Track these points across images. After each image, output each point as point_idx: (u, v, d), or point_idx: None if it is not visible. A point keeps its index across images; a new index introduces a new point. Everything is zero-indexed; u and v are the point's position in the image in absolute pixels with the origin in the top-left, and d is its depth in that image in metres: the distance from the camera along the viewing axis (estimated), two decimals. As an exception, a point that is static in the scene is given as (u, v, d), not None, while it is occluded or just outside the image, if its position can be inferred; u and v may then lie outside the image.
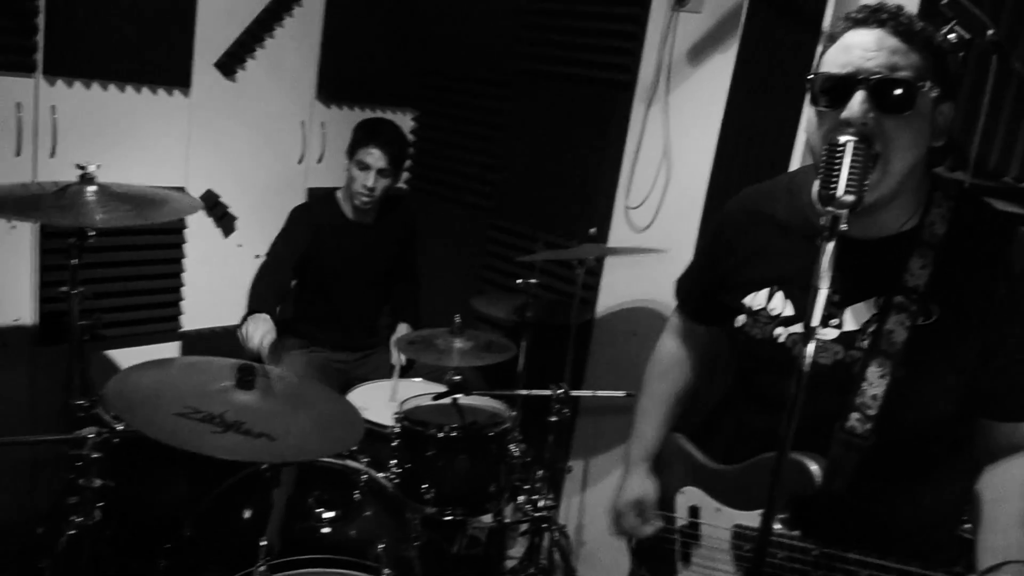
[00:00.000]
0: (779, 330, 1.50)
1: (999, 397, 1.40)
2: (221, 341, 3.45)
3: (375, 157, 3.13)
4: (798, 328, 1.47)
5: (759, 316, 1.53)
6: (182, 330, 3.40)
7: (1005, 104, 2.30)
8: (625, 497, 1.77)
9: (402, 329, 3.42)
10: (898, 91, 1.28)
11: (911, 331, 1.36)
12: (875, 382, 1.38)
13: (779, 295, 1.52)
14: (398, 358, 3.18)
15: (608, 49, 3.17)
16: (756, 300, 1.54)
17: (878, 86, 1.28)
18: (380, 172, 3.15)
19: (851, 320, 1.42)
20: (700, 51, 2.86)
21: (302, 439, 1.97)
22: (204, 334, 3.44)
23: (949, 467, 1.49)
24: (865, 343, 1.40)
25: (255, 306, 2.98)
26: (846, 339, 1.42)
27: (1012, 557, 1.23)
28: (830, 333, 1.42)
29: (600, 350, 3.26)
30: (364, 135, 3.19)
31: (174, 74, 3.14)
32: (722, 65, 2.79)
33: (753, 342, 1.54)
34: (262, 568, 1.95)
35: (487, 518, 2.97)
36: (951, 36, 1.88)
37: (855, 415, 1.39)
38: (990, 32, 1.90)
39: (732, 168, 2.74)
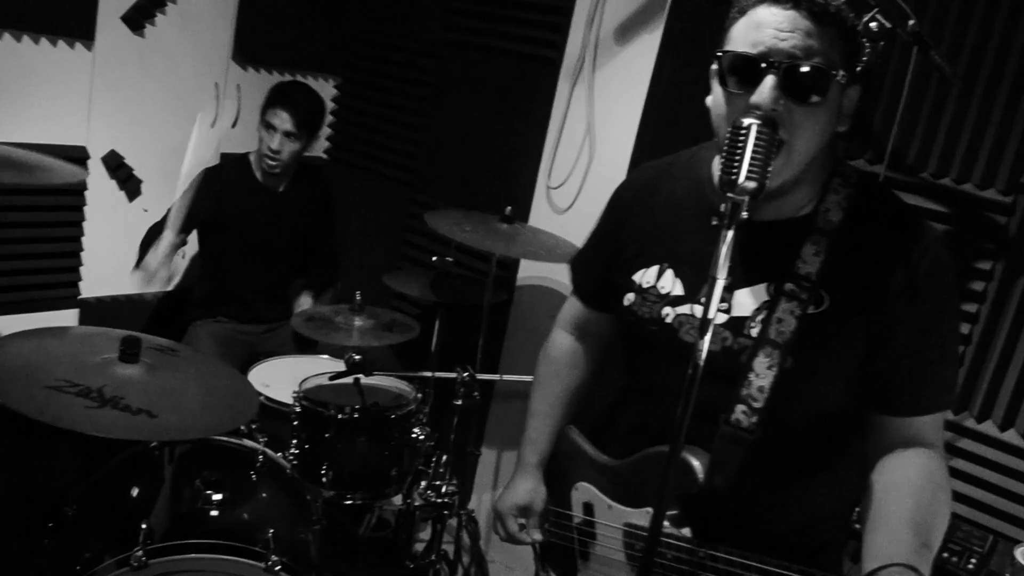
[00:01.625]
0: (667, 309, 1.45)
1: (889, 391, 1.36)
2: (123, 310, 3.30)
3: (282, 119, 3.03)
4: (686, 308, 1.43)
5: (648, 294, 1.48)
6: (81, 297, 3.23)
7: (925, 98, 2.28)
8: (511, 501, 1.71)
9: (305, 299, 3.35)
10: (810, 79, 1.23)
11: (801, 320, 1.31)
12: (762, 373, 1.33)
13: (669, 273, 1.46)
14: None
15: (536, 24, 3.08)
16: (645, 277, 1.49)
17: (790, 72, 1.23)
18: (287, 135, 3.05)
19: (741, 305, 1.37)
20: (627, 30, 2.80)
21: (186, 417, 1.88)
22: (105, 302, 3.28)
23: (838, 462, 1.46)
24: (755, 330, 1.35)
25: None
26: (735, 324, 1.37)
27: (898, 559, 1.19)
28: (719, 317, 1.37)
29: (517, 333, 3.20)
30: (274, 96, 3.10)
31: (77, 25, 2.95)
32: (648, 44, 2.74)
33: (640, 322, 1.48)
34: (139, 553, 1.86)
35: (397, 500, 2.90)
36: (872, 24, 1.84)
37: (741, 407, 1.35)
38: (911, 23, 1.86)
39: (655, 149, 2.67)
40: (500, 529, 1.76)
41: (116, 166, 3.16)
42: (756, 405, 1.34)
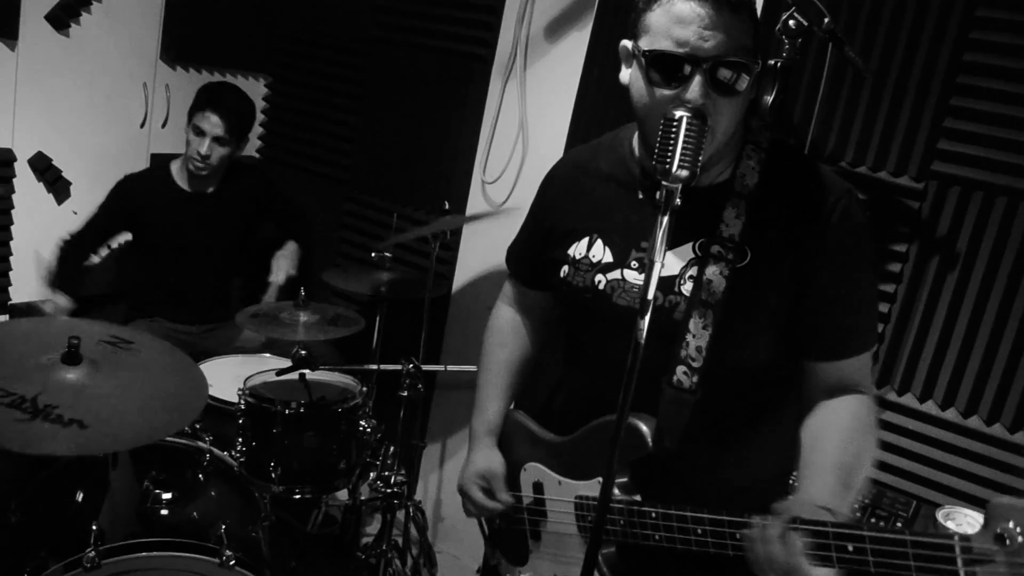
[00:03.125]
0: (599, 276, 1.52)
1: (814, 337, 1.45)
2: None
3: (212, 123, 2.99)
4: (616, 274, 1.50)
5: (580, 264, 1.55)
6: (11, 303, 3.16)
7: (841, 91, 2.41)
8: (470, 471, 1.74)
9: (289, 246, 3.33)
10: (734, 74, 1.32)
11: (728, 279, 1.39)
12: (698, 333, 1.40)
13: (599, 242, 1.54)
14: (278, 275, 3.15)
15: (466, 22, 3.13)
16: (578, 249, 1.56)
17: (715, 70, 1.30)
18: (216, 139, 3.01)
19: (668, 265, 1.44)
20: (556, 27, 2.87)
21: (120, 426, 1.82)
22: (35, 306, 3.21)
23: (776, 425, 1.54)
24: (684, 288, 1.43)
25: (57, 284, 2.93)
26: (664, 284, 1.44)
27: (819, 502, 1.28)
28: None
29: (457, 325, 3.25)
30: (203, 99, 3.05)
31: (-1, 24, 2.90)
32: (578, 41, 2.81)
33: (575, 291, 1.55)
34: (91, 554, 1.86)
35: (343, 495, 2.92)
36: (791, 23, 1.96)
37: (681, 368, 1.42)
38: (827, 20, 1.98)
39: (587, 143, 2.77)
40: (468, 504, 1.77)
41: (44, 168, 3.10)
42: (695, 365, 1.41)
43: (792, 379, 1.53)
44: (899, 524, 2.20)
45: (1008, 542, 1.02)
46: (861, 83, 2.37)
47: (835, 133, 2.43)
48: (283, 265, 3.29)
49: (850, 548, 1.17)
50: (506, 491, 1.70)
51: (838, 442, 1.38)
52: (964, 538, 1.08)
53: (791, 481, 2.19)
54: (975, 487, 2.34)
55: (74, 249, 3.03)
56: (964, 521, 2.16)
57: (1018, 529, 1.02)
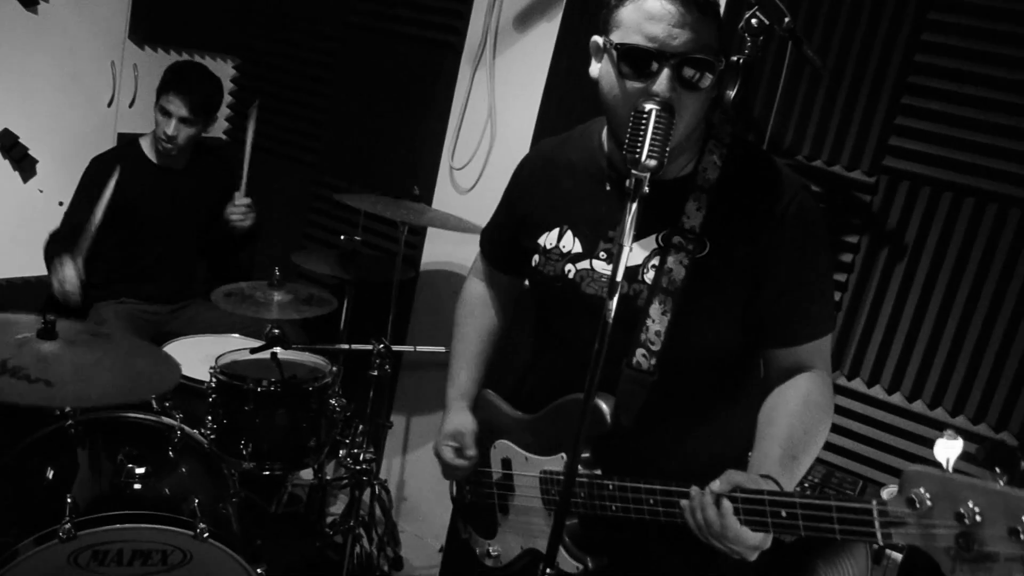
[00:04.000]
0: (568, 266, 1.59)
1: (771, 324, 1.53)
2: (18, 293, 3.23)
3: (176, 105, 2.99)
4: (585, 264, 1.57)
5: (551, 254, 1.62)
6: (-26, 279, 3.15)
7: (799, 89, 2.51)
8: (443, 433, 1.80)
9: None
10: (699, 70, 1.39)
11: (688, 268, 1.47)
12: (658, 319, 1.48)
13: (568, 233, 1.61)
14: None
15: (438, 9, 3.18)
16: (548, 239, 1.63)
17: (682, 66, 1.38)
18: (182, 120, 3.01)
19: (633, 255, 1.51)
20: (526, 17, 2.93)
21: (87, 387, 1.90)
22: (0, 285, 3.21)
23: (733, 407, 1.63)
24: (647, 276, 1.51)
25: (58, 250, 2.82)
26: (629, 273, 1.52)
27: (763, 471, 1.37)
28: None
29: (423, 307, 3.30)
30: (169, 80, 3.03)
31: (-35, 0, 2.89)
32: (547, 32, 2.87)
33: (547, 280, 1.62)
34: (67, 525, 1.89)
35: (307, 475, 2.97)
36: (753, 21, 2.04)
37: (640, 351, 1.50)
38: (787, 20, 2.07)
39: (555, 132, 2.81)
40: (442, 461, 1.79)
41: (10, 145, 3.09)
42: (654, 348, 1.49)
43: (751, 364, 1.62)
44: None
45: (919, 505, 1.12)
46: (818, 80, 2.47)
47: (793, 128, 2.53)
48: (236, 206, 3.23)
49: (783, 514, 1.26)
50: (474, 448, 1.75)
51: (787, 417, 1.46)
52: (881, 502, 1.17)
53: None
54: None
55: (58, 242, 3.00)
56: (907, 499, 2.27)
57: (927, 494, 1.12)
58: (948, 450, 2.07)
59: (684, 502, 1.37)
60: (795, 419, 1.46)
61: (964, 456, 2.12)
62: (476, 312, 1.91)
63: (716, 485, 1.33)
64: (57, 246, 2.88)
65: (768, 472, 1.37)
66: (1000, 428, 2.35)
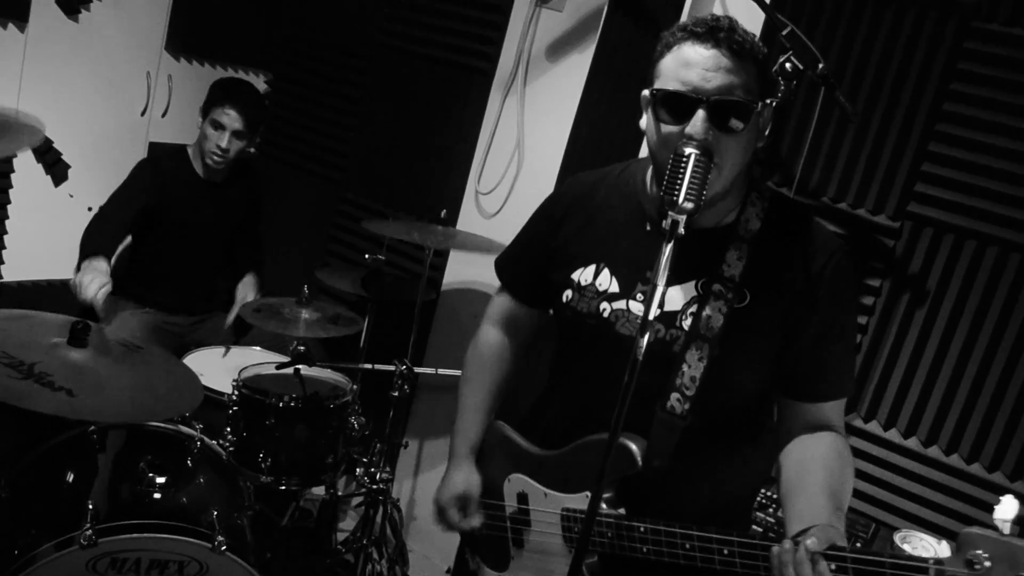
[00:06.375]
0: (604, 305, 1.60)
1: (799, 379, 1.56)
2: (43, 295, 3.26)
3: (231, 118, 3.04)
4: (621, 304, 1.58)
5: (586, 291, 1.62)
6: (1, 281, 3.19)
7: (828, 133, 2.53)
8: (450, 492, 1.80)
9: (249, 279, 3.36)
10: (733, 111, 1.42)
11: (727, 316, 1.50)
12: (694, 364, 1.50)
13: (605, 271, 1.62)
14: (246, 296, 3.20)
15: (471, 35, 3.22)
16: (583, 276, 1.64)
17: (716, 107, 1.40)
18: (235, 134, 3.06)
19: (672, 300, 1.54)
20: (559, 48, 2.96)
21: (107, 401, 1.92)
22: (26, 286, 3.24)
23: (751, 446, 1.65)
24: (685, 323, 1.53)
25: (90, 250, 2.79)
26: (667, 318, 1.54)
27: (818, 520, 1.37)
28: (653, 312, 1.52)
29: (442, 329, 3.32)
30: (222, 94, 3.08)
31: (10, 5, 2.93)
32: (579, 63, 2.90)
33: (579, 316, 1.63)
34: (88, 532, 1.91)
35: (319, 490, 2.98)
36: (787, 65, 2.07)
37: (675, 395, 1.51)
38: (820, 66, 2.10)
39: (583, 162, 2.86)
40: (441, 520, 1.83)
41: (45, 150, 3.14)
42: (688, 393, 1.51)
43: (769, 407, 1.65)
44: (859, 545, 2.31)
45: (977, 567, 1.14)
46: (846, 124, 2.50)
47: (819, 170, 2.56)
48: (248, 291, 3.36)
49: (849, 569, 1.27)
50: (479, 515, 1.77)
51: (825, 472, 1.48)
52: (938, 562, 1.19)
53: (761, 499, 2.31)
54: (932, 513, 2.47)
55: (100, 221, 3.01)
56: (919, 545, 2.27)
57: (986, 556, 1.14)
58: (1005, 512, 2.08)
59: (774, 553, 1.34)
60: (832, 472, 1.47)
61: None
62: (491, 366, 1.88)
63: (812, 543, 1.29)
64: (90, 243, 2.87)
65: (830, 523, 1.36)
66: (1016, 478, 2.36)
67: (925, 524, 2.45)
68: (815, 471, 1.48)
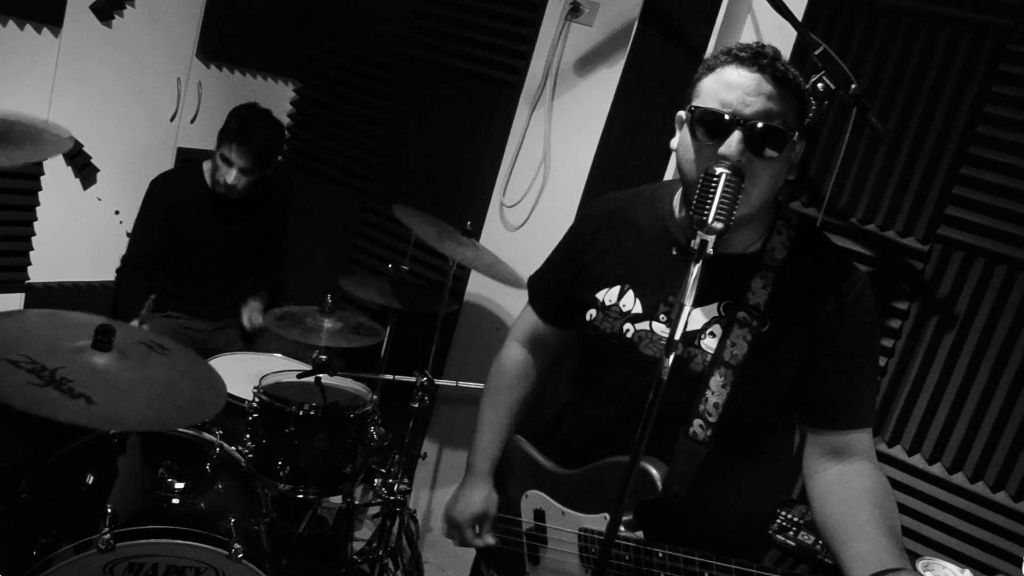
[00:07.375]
0: (628, 325, 1.60)
1: (816, 407, 1.56)
2: (70, 296, 3.29)
3: (238, 156, 3.06)
4: (645, 325, 1.58)
5: (610, 311, 1.62)
6: (28, 282, 3.21)
7: (858, 153, 2.51)
8: (467, 511, 1.80)
9: (253, 304, 3.39)
10: (769, 137, 1.41)
11: (751, 344, 1.50)
12: (717, 391, 1.51)
13: (630, 293, 1.62)
14: (249, 320, 3.20)
15: (499, 48, 3.22)
16: (608, 296, 1.64)
17: (753, 130, 1.40)
18: (242, 171, 3.09)
19: (693, 320, 1.54)
20: (587, 63, 2.96)
21: (127, 409, 1.90)
22: (52, 288, 3.27)
23: (770, 468, 1.65)
24: (704, 343, 1.53)
25: (127, 310, 2.94)
26: (687, 337, 1.53)
27: (887, 563, 1.33)
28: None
29: (463, 341, 3.32)
30: (232, 131, 3.09)
31: (46, 10, 2.97)
32: (607, 79, 2.89)
33: (602, 336, 1.63)
34: (106, 536, 1.91)
35: (336, 499, 2.98)
36: (819, 85, 2.06)
37: (698, 421, 1.52)
38: (853, 86, 2.08)
39: (608, 178, 2.85)
40: (455, 536, 1.84)
41: (75, 153, 3.17)
42: (711, 419, 1.51)
43: (782, 441, 1.65)
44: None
45: None
46: (877, 146, 2.47)
47: (848, 190, 2.53)
48: (253, 314, 3.36)
49: None
50: (493, 535, 1.79)
51: (878, 507, 1.45)
52: None
53: (781, 522, 2.28)
54: (956, 541, 2.42)
55: (130, 270, 3.12)
56: (942, 573, 2.23)
57: None
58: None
59: None
60: (887, 512, 1.45)
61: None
62: (513, 384, 1.89)
63: None
64: (127, 289, 3.03)
65: (900, 565, 1.34)
66: (1043, 508, 2.32)
67: (948, 552, 2.41)
68: (866, 508, 1.45)
